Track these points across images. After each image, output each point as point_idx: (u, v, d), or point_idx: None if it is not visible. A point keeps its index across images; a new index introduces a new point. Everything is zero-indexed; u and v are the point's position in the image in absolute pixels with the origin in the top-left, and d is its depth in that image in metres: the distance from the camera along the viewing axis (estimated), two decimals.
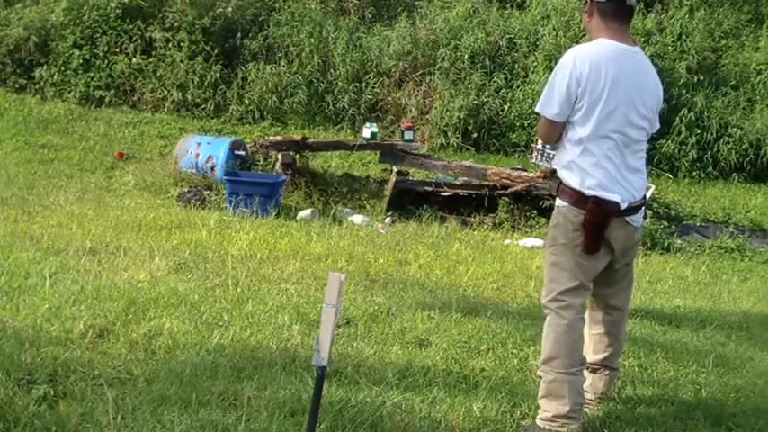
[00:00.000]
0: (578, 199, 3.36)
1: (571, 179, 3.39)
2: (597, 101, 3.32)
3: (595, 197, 3.34)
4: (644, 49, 10.92)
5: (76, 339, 3.84)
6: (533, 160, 8.51)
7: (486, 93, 10.69)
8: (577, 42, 10.61)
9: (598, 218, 3.35)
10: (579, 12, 3.67)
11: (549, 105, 3.39)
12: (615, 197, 3.36)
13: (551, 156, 8.65)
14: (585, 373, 3.53)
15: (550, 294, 3.44)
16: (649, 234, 8.08)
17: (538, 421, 3.38)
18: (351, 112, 11.12)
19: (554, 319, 3.41)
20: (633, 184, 3.43)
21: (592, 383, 3.61)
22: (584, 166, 3.36)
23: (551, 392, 3.35)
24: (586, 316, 3.60)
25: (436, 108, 10.76)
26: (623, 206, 3.38)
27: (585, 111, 3.34)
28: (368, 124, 9.28)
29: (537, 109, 3.47)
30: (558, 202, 3.46)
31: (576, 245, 3.37)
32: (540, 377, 3.43)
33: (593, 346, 3.61)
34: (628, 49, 3.45)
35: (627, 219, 3.42)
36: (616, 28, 3.45)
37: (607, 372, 3.66)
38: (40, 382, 3.30)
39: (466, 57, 10.94)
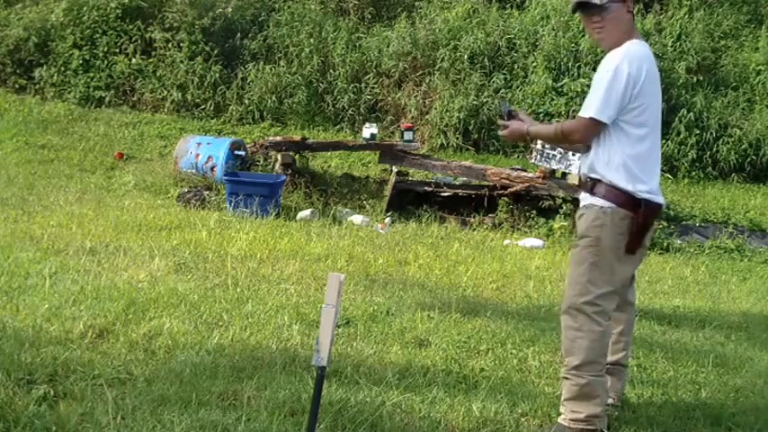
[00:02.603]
0: (627, 201, 3.34)
1: (620, 180, 3.35)
2: (650, 102, 3.36)
3: (647, 200, 3.35)
4: None
5: (76, 339, 3.85)
6: (533, 160, 8.53)
7: (486, 93, 10.69)
8: (576, 43, 10.64)
9: (648, 221, 3.37)
10: (594, 13, 3.52)
11: (605, 108, 3.31)
12: (661, 199, 3.41)
13: (551, 156, 8.69)
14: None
15: (586, 296, 3.36)
16: None
17: (569, 423, 3.36)
18: (350, 112, 11.13)
19: (588, 324, 3.35)
20: (660, 181, 3.49)
21: (611, 385, 3.57)
22: (635, 168, 3.35)
23: (585, 395, 3.34)
24: None
25: (436, 108, 10.76)
26: (664, 206, 3.47)
27: (639, 111, 3.34)
28: (367, 124, 9.28)
29: (591, 113, 3.35)
30: (601, 202, 3.38)
31: (620, 246, 3.36)
32: (568, 379, 3.38)
33: (611, 346, 3.57)
34: (648, 47, 3.48)
35: None
36: (634, 25, 3.49)
37: (624, 371, 3.67)
38: (40, 382, 3.30)
39: (465, 57, 10.94)
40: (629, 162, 3.34)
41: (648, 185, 3.36)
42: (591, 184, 3.42)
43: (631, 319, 3.70)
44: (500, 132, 3.77)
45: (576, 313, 3.37)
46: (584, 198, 3.47)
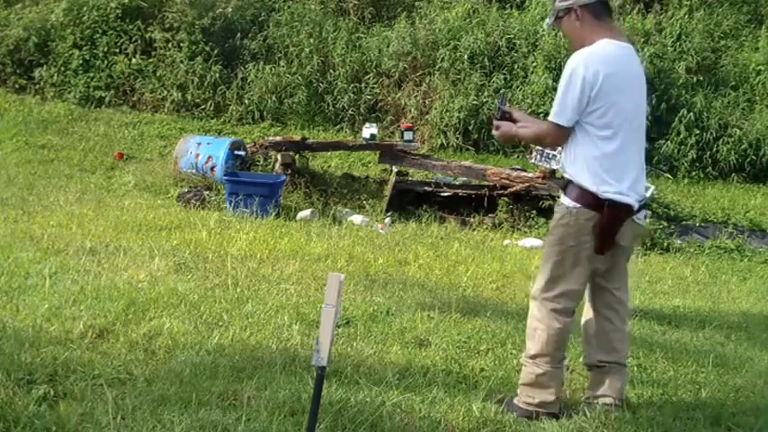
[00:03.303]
0: (592, 201, 3.39)
1: (585, 180, 3.40)
2: (612, 102, 3.37)
3: (612, 201, 3.37)
4: (642, 50, 10.93)
5: (76, 339, 3.85)
6: (532, 161, 8.54)
7: (486, 93, 10.68)
8: None
9: (613, 221, 3.39)
10: (555, 24, 3.66)
11: (562, 112, 3.42)
12: (629, 200, 3.41)
13: (550, 156, 8.69)
14: (599, 375, 3.60)
15: (547, 292, 3.49)
16: (649, 234, 8.09)
17: (522, 404, 3.53)
18: (350, 112, 11.13)
19: (547, 319, 3.48)
20: (640, 183, 3.50)
21: (610, 384, 3.58)
22: (600, 168, 3.39)
23: (539, 384, 3.50)
24: (589, 313, 3.64)
25: (436, 108, 10.76)
26: (636, 207, 3.44)
27: (601, 113, 3.37)
28: (367, 125, 9.28)
29: (551, 118, 3.47)
30: (568, 202, 3.45)
31: (586, 247, 3.40)
32: (524, 366, 3.56)
33: (607, 344, 3.60)
34: (628, 48, 3.50)
35: (634, 217, 3.49)
36: (611, 25, 3.50)
37: (622, 369, 3.66)
38: (40, 382, 3.30)
39: (465, 57, 10.94)
40: (593, 163, 3.39)
41: (616, 187, 3.37)
42: (564, 184, 3.52)
43: (626, 317, 3.72)
44: (493, 132, 3.83)
45: (540, 305, 3.51)
46: (560, 197, 3.56)
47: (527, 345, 3.59)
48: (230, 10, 11.81)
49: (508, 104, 3.82)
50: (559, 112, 3.43)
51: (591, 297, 3.65)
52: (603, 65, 3.36)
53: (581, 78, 3.35)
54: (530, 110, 10.03)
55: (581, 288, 3.51)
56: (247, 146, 9.16)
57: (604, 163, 3.38)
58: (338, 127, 11.18)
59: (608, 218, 3.37)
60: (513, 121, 3.71)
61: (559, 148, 8.47)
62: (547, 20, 3.71)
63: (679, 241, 8.39)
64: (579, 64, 3.38)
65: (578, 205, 3.41)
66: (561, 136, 3.48)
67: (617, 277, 3.60)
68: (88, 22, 11.55)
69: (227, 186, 7.94)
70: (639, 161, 3.53)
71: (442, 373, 3.91)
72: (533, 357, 3.52)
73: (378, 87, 11.20)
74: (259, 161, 8.92)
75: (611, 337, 3.61)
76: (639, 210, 3.50)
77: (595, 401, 3.59)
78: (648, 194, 8.33)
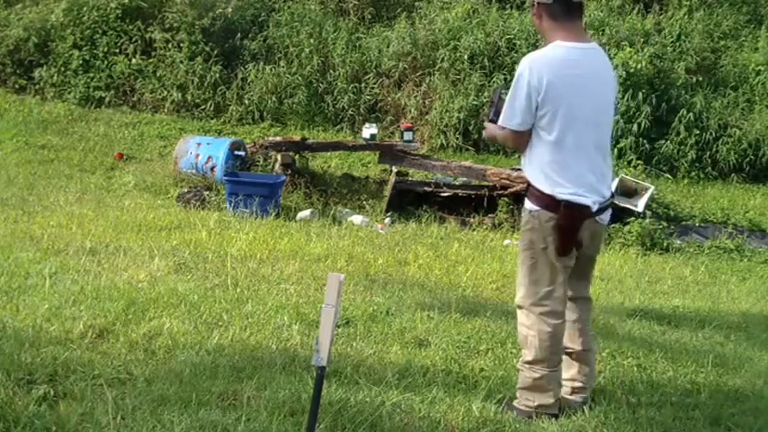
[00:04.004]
0: (550, 203, 3.41)
1: (541, 184, 3.42)
2: (560, 106, 3.35)
3: (567, 201, 3.39)
4: (642, 50, 10.91)
5: (76, 339, 3.85)
6: None
7: (486, 93, 10.68)
8: None
9: (571, 222, 3.42)
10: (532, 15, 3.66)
11: (511, 116, 3.43)
12: (587, 201, 3.42)
13: None
14: (570, 361, 3.67)
15: (531, 298, 3.51)
16: (648, 234, 8.10)
17: (522, 407, 3.54)
18: (350, 112, 11.13)
19: (537, 324, 3.49)
20: (602, 184, 3.49)
21: (579, 369, 3.69)
22: (553, 171, 3.40)
23: (537, 388, 3.52)
24: None
25: (436, 108, 10.76)
26: (594, 208, 3.44)
27: (550, 117, 3.37)
28: (367, 125, 9.28)
29: (500, 122, 3.49)
30: (530, 206, 3.49)
31: (550, 248, 3.44)
32: (521, 371, 3.58)
33: (571, 336, 3.68)
34: (584, 47, 3.44)
35: (596, 218, 3.49)
36: (569, 26, 3.42)
37: (588, 355, 3.74)
38: (40, 382, 3.31)
39: (465, 57, 10.94)
40: (546, 167, 3.41)
41: (571, 188, 3.38)
42: (526, 188, 3.55)
43: (590, 309, 3.78)
44: (483, 132, 3.87)
45: (528, 312, 3.53)
46: (525, 202, 3.58)
47: (522, 352, 3.61)
48: (230, 10, 11.82)
49: (501, 92, 3.76)
50: (509, 117, 3.43)
51: None
52: (548, 69, 3.34)
53: (526, 83, 3.35)
54: None
55: (562, 288, 3.50)
56: (247, 146, 9.16)
57: (556, 166, 3.39)
58: (338, 127, 11.18)
59: (565, 218, 3.39)
60: None
61: None
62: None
63: (679, 241, 8.40)
64: (525, 68, 3.37)
65: (538, 208, 3.44)
66: (518, 140, 3.48)
67: (582, 275, 3.67)
68: (88, 22, 11.56)
69: (226, 186, 7.94)
70: (602, 162, 3.50)
71: (441, 373, 3.92)
72: (530, 363, 3.53)
73: (378, 87, 11.20)
74: (259, 161, 8.93)
75: (579, 327, 3.69)
76: (603, 210, 3.50)
77: (565, 385, 3.68)
78: (648, 195, 8.36)
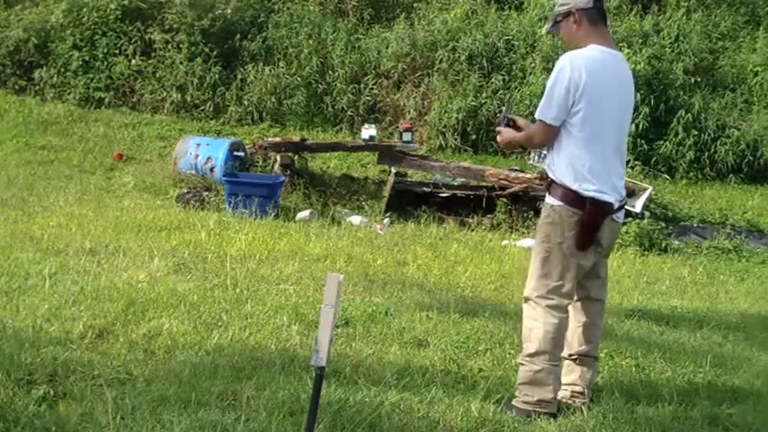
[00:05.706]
0: (574, 199, 3.50)
1: (567, 179, 3.51)
2: (594, 106, 3.47)
3: (593, 198, 3.49)
4: (641, 51, 10.93)
5: (76, 340, 3.86)
6: (531, 161, 8.55)
7: (485, 94, 10.70)
8: None
9: (594, 218, 3.51)
10: (554, 30, 3.76)
11: (547, 109, 3.53)
12: (610, 198, 3.54)
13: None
14: (572, 365, 3.71)
15: (540, 290, 3.57)
16: (647, 235, 8.11)
17: (520, 404, 3.56)
18: (349, 113, 11.13)
19: (544, 316, 3.55)
20: (620, 183, 3.64)
21: (581, 375, 3.72)
22: (580, 168, 3.50)
23: (537, 381, 3.54)
24: (570, 309, 3.70)
25: (434, 109, 10.77)
26: (616, 206, 3.57)
27: (583, 114, 3.48)
28: (366, 125, 9.29)
29: (537, 115, 3.59)
30: (552, 200, 3.58)
31: (570, 243, 3.52)
32: (522, 365, 3.60)
33: (578, 338, 3.73)
34: (613, 54, 3.62)
35: (614, 216, 3.60)
36: (603, 31, 3.61)
37: (593, 361, 3.78)
38: (40, 382, 3.31)
39: (464, 58, 10.95)
40: (575, 162, 3.50)
41: (597, 185, 3.49)
42: (548, 183, 3.64)
43: (601, 313, 3.81)
44: (497, 138, 3.93)
45: (535, 305, 3.58)
46: (546, 196, 3.66)
47: (524, 345, 3.64)
48: (229, 11, 11.83)
49: (511, 110, 3.90)
50: (545, 110, 3.53)
51: None
52: (589, 68, 3.47)
53: (567, 78, 3.46)
54: (527, 111, 10.04)
55: (571, 284, 3.58)
56: (246, 147, 9.17)
57: (586, 162, 3.50)
58: (337, 128, 11.19)
59: (589, 215, 3.49)
60: (517, 128, 3.82)
61: None
62: (546, 26, 3.82)
63: (677, 242, 8.41)
64: (567, 63, 3.49)
65: (561, 203, 3.53)
66: (548, 135, 3.58)
67: (594, 274, 3.71)
68: (88, 23, 11.56)
69: (226, 187, 7.95)
70: (620, 164, 3.66)
71: (440, 374, 3.93)
72: (531, 356, 3.56)
73: (377, 88, 11.21)
74: (258, 162, 8.94)
75: (587, 331, 3.72)
76: (619, 209, 3.63)
77: (566, 389, 3.70)
78: (646, 195, 8.37)
